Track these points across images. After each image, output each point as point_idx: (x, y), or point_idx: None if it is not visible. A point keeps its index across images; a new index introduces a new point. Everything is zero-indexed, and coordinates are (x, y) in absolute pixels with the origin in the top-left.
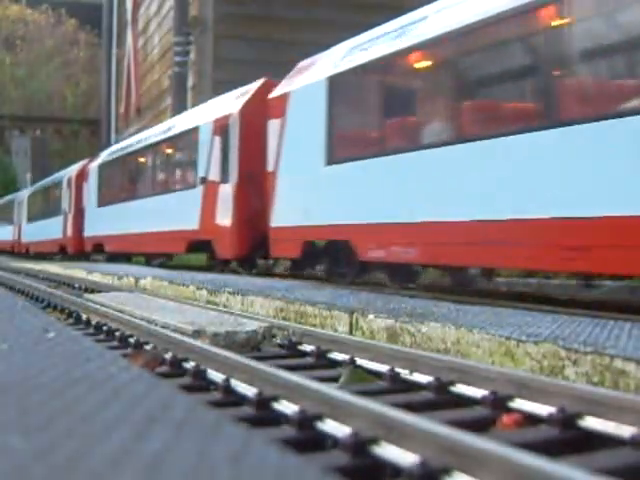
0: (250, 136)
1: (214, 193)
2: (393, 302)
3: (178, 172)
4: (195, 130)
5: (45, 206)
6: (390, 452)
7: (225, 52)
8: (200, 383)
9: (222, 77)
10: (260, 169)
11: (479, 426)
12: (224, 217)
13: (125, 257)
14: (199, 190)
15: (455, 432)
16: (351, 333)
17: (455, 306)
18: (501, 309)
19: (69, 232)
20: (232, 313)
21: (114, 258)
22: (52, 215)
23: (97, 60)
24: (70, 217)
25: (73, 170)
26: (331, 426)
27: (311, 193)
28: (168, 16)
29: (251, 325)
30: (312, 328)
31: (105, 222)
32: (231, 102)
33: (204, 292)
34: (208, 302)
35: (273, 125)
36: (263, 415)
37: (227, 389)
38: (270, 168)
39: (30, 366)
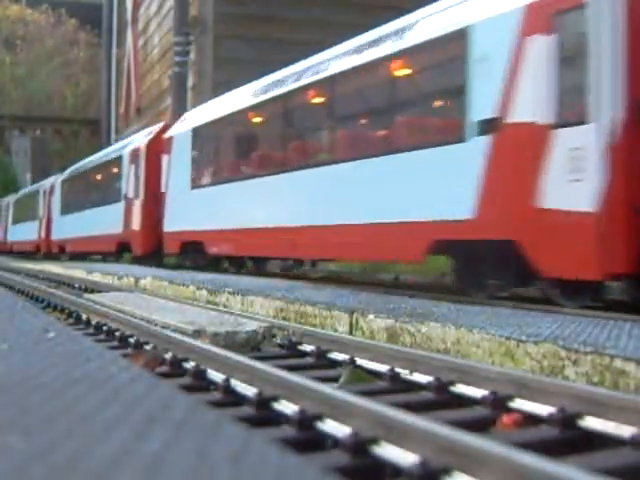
0: None
1: (530, 150)
2: (393, 302)
3: (400, 118)
4: (454, 38)
5: (92, 192)
6: (390, 452)
7: (225, 52)
8: (200, 383)
9: (222, 77)
10: None
11: (479, 426)
12: (571, 197)
13: (229, 261)
14: (474, 147)
15: (455, 432)
16: (351, 333)
17: (455, 306)
18: (501, 309)
19: (135, 225)
20: (232, 313)
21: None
22: (105, 203)
23: (97, 60)
24: (137, 204)
25: (140, 141)
26: (331, 426)
27: None
28: (168, 16)
29: (251, 325)
30: (312, 328)
31: (208, 211)
32: None
33: (204, 292)
34: (208, 302)
35: None
36: (263, 415)
37: (227, 389)
38: None
39: (30, 366)
